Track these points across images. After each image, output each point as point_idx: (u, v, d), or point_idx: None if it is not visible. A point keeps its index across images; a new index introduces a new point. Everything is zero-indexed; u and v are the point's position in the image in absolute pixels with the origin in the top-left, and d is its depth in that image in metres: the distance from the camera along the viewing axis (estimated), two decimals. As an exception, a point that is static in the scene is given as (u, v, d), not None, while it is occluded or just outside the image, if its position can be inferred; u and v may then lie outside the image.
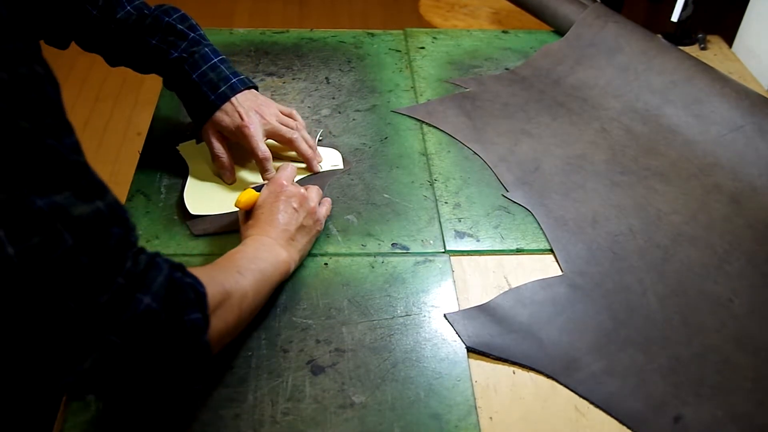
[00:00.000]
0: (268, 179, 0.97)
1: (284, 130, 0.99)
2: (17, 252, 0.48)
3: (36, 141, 0.49)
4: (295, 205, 0.85)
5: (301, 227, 0.84)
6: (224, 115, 0.96)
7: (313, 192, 0.89)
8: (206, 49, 0.97)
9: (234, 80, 0.97)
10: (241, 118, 0.96)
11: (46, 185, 0.50)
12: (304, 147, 1.00)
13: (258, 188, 0.88)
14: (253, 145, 0.96)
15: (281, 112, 1.02)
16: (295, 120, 1.03)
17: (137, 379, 0.59)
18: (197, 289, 0.63)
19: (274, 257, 0.79)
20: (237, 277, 0.72)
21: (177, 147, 1.05)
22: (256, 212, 0.85)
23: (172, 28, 0.96)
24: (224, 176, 0.99)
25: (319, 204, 0.90)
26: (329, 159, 1.05)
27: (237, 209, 0.95)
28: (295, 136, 0.99)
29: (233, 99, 0.96)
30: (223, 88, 0.96)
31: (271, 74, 1.24)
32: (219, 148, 0.98)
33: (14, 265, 0.49)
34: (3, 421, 0.96)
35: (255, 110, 0.97)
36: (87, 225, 0.52)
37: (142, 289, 0.57)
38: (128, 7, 0.96)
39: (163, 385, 0.61)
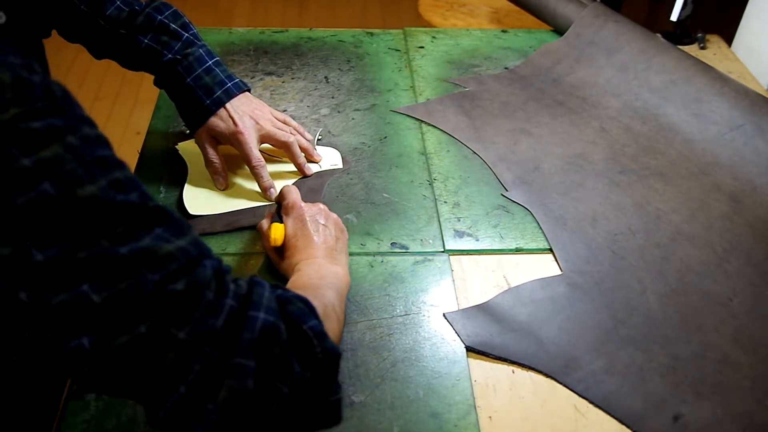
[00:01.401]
0: (263, 186, 0.97)
1: (279, 134, 0.98)
2: (104, 299, 0.48)
3: (107, 200, 0.49)
4: (322, 222, 0.84)
5: (336, 239, 0.84)
6: (219, 121, 0.95)
7: (323, 206, 0.87)
8: (201, 51, 0.95)
9: (229, 84, 0.96)
10: (236, 124, 0.95)
11: (127, 235, 0.50)
12: (297, 152, 1.00)
13: (277, 219, 0.87)
14: (247, 152, 0.95)
15: (275, 117, 1.01)
16: (288, 125, 1.02)
17: (276, 403, 0.55)
18: (303, 299, 0.62)
19: (334, 273, 0.78)
20: (318, 292, 0.71)
21: (176, 146, 1.05)
22: (289, 242, 0.83)
23: (165, 27, 0.94)
24: (217, 182, 0.98)
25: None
26: (328, 158, 1.05)
27: (236, 209, 0.95)
28: (290, 140, 0.99)
29: (228, 104, 0.95)
30: (218, 93, 0.95)
31: (270, 73, 1.24)
32: (212, 153, 0.97)
33: (102, 312, 0.48)
34: (3, 422, 0.96)
35: (249, 115, 0.97)
36: (175, 260, 0.51)
37: (253, 307, 0.55)
38: (118, 2, 0.94)
39: (303, 404, 0.58)
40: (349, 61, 1.29)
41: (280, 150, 1.01)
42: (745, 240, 0.94)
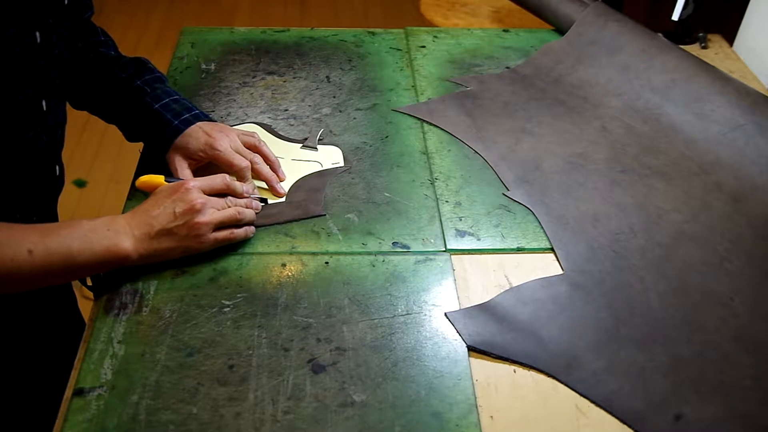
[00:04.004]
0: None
1: (247, 152, 0.97)
2: None
3: None
4: (177, 210, 0.82)
5: (167, 231, 0.82)
6: (189, 138, 0.95)
7: (217, 214, 0.85)
8: (168, 88, 1.00)
9: (197, 111, 0.98)
10: (209, 135, 0.95)
11: None
12: (265, 170, 0.98)
13: (170, 180, 0.89)
14: (228, 158, 0.94)
15: (244, 143, 0.99)
16: (259, 153, 0.99)
17: None
18: None
19: (107, 241, 0.79)
20: (31, 229, 0.76)
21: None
22: (149, 197, 0.85)
23: (143, 65, 1.01)
24: None
25: (237, 228, 0.88)
26: (330, 157, 1.05)
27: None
28: (257, 159, 0.97)
29: (197, 123, 0.96)
30: (186, 116, 0.96)
31: (271, 73, 1.24)
32: (184, 175, 0.95)
33: None
34: (4, 421, 0.96)
35: (219, 131, 0.96)
36: None
37: None
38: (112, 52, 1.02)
39: None
40: (350, 60, 1.29)
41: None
42: (747, 239, 0.94)
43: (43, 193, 0.90)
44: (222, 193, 0.88)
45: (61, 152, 0.93)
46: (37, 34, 0.80)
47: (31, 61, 0.80)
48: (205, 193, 0.85)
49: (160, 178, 0.90)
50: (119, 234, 0.80)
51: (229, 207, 0.87)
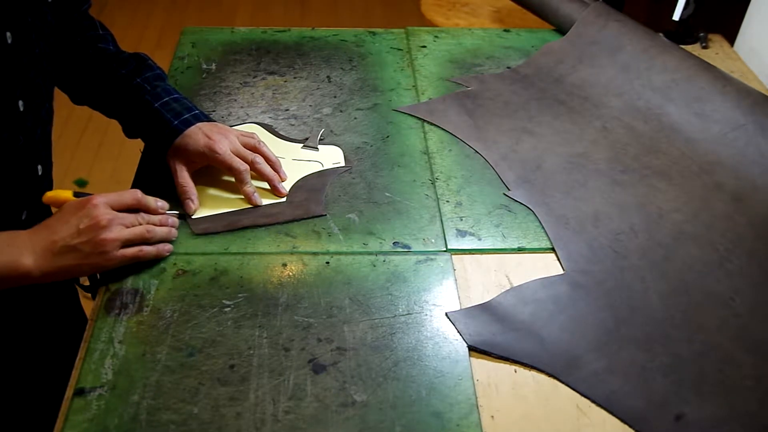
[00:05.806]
0: (246, 193, 0.95)
1: (247, 152, 0.96)
2: None
3: None
4: (81, 226, 0.79)
5: (71, 247, 0.78)
6: (188, 139, 0.94)
7: (125, 231, 0.82)
8: (168, 86, 0.99)
9: (197, 111, 0.98)
10: (208, 137, 0.94)
11: None
12: (267, 169, 0.97)
13: (79, 195, 0.85)
14: (227, 161, 0.94)
15: (244, 144, 0.99)
16: (258, 152, 0.98)
17: None
18: None
19: (4, 257, 0.76)
20: None
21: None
22: (55, 213, 0.82)
23: (143, 61, 1.01)
24: (186, 206, 0.94)
25: (150, 245, 0.85)
26: (331, 157, 1.05)
27: (237, 209, 0.95)
28: (258, 159, 0.96)
29: (196, 125, 0.95)
30: (186, 116, 0.96)
31: (272, 73, 1.24)
32: (182, 176, 0.94)
33: None
34: (5, 420, 0.97)
35: (218, 132, 0.96)
36: None
37: None
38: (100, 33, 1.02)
39: None
40: (351, 60, 1.29)
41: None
42: (747, 239, 0.94)
43: (25, 193, 0.89)
44: (135, 209, 0.85)
45: (49, 151, 0.92)
46: (8, 34, 0.78)
47: (1, 62, 0.78)
48: (114, 209, 0.82)
49: (68, 193, 0.87)
50: (20, 250, 0.77)
51: (140, 224, 0.84)
